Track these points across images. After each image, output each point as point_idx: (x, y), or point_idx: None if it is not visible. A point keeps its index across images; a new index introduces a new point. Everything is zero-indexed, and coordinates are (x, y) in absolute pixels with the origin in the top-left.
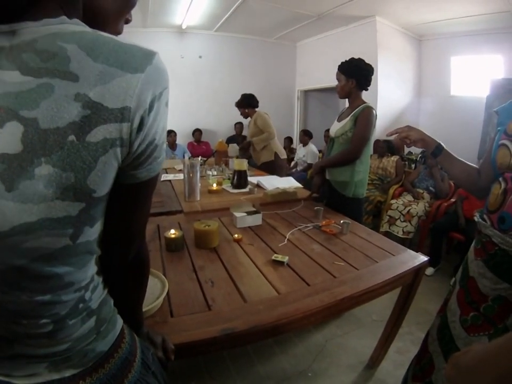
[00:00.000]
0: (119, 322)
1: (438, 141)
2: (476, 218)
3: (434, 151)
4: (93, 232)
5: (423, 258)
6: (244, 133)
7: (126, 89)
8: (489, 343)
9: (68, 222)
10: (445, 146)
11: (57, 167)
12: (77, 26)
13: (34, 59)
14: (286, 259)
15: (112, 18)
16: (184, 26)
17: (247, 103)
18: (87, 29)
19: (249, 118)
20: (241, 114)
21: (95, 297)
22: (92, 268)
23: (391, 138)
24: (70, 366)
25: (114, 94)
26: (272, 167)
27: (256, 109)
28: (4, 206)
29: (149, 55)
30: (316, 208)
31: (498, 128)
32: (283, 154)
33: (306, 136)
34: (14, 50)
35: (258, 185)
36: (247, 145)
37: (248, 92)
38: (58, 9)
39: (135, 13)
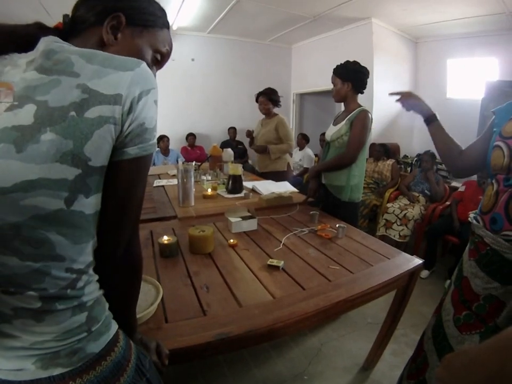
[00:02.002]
0: (114, 326)
1: (434, 112)
2: (470, 219)
3: (428, 119)
4: (88, 205)
5: (418, 261)
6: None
7: (118, 81)
8: (479, 344)
9: (64, 184)
10: (438, 118)
11: (59, 135)
12: (79, 48)
13: (47, 63)
14: (281, 264)
15: None
16: (175, 28)
17: (275, 99)
18: (87, 48)
19: (260, 120)
20: (261, 106)
21: (88, 292)
22: (88, 255)
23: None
24: (58, 364)
25: (109, 84)
26: (283, 178)
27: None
28: (12, 164)
29: (137, 62)
30: (311, 212)
31: (494, 129)
32: (291, 165)
33: (304, 139)
34: (35, 59)
35: (253, 190)
36: (263, 150)
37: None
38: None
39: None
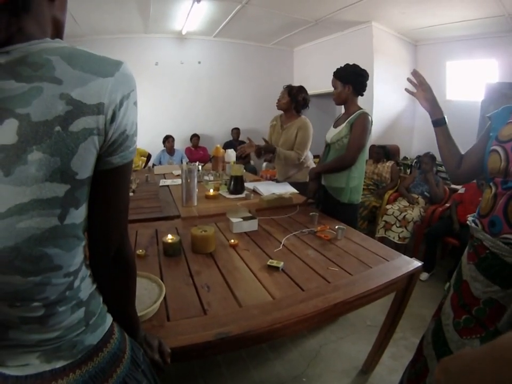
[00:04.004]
0: (109, 318)
1: (444, 114)
2: (468, 222)
3: (436, 121)
4: (78, 215)
5: (417, 263)
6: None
7: (100, 89)
8: (477, 349)
9: (56, 202)
10: (447, 122)
11: (46, 153)
12: (57, 43)
13: (26, 70)
14: (281, 264)
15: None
16: (184, 32)
17: (295, 98)
18: (66, 44)
19: (276, 119)
20: (280, 101)
21: (84, 288)
22: (80, 255)
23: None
24: (60, 357)
25: (91, 93)
26: (303, 189)
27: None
28: (2, 189)
29: (116, 64)
30: (311, 213)
31: (491, 134)
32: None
33: None
34: (9, 65)
35: (254, 191)
36: (271, 150)
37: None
38: (40, 34)
39: (136, 19)
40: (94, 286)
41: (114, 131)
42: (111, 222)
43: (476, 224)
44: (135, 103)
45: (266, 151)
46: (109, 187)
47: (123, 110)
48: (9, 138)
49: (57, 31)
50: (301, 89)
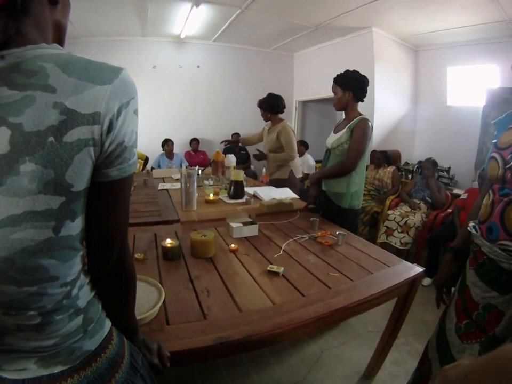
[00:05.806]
0: (107, 324)
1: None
2: (469, 228)
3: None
4: (75, 227)
5: (418, 269)
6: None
7: (96, 98)
8: (477, 359)
9: (50, 214)
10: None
11: (39, 164)
12: (54, 50)
13: (19, 77)
14: (281, 270)
15: (66, 31)
16: (182, 36)
17: (267, 107)
18: (62, 51)
19: (266, 126)
20: (262, 115)
21: (82, 296)
22: (77, 265)
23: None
24: (58, 363)
25: (86, 102)
26: (283, 186)
27: (281, 116)
28: None
29: (115, 70)
30: (311, 219)
31: (493, 141)
32: (298, 173)
33: (302, 146)
34: (3, 71)
35: (254, 196)
36: (261, 157)
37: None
38: (38, 38)
39: (133, 22)
40: (93, 293)
41: (111, 142)
42: (110, 234)
43: (476, 230)
44: (135, 112)
45: (257, 157)
46: (107, 200)
47: (121, 120)
48: (2, 147)
49: (59, 36)
50: (268, 97)
